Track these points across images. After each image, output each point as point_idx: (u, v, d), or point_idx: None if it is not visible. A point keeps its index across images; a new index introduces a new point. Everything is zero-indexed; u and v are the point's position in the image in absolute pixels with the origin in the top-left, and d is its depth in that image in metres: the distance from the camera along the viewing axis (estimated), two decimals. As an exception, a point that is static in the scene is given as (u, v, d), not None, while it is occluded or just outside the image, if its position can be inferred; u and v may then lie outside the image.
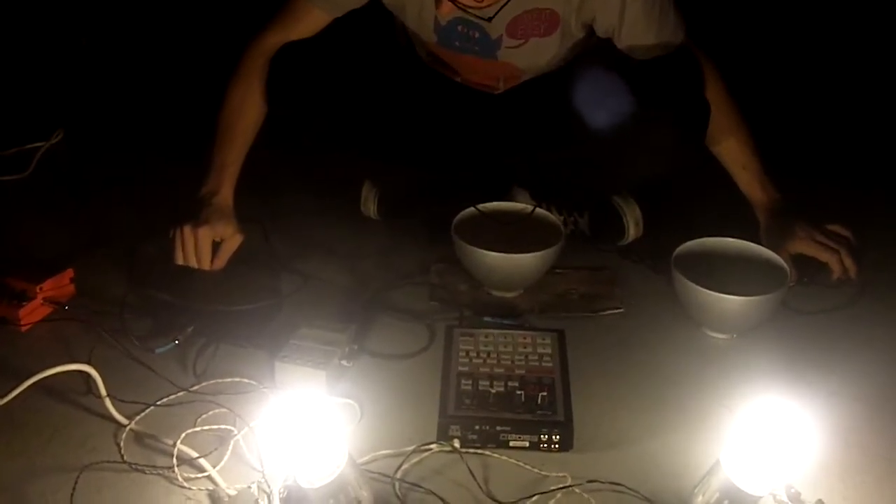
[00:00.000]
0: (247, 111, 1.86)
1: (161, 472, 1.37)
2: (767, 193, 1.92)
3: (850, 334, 1.77)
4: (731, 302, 1.67)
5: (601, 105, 1.89)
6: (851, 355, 1.70)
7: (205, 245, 1.74)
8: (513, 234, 1.87)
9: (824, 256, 1.85)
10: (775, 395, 1.25)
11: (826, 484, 1.38)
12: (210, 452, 1.40)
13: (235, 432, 1.44)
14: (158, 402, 1.52)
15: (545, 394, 1.49)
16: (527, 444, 1.44)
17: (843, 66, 2.90)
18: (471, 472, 1.38)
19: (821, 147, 2.53)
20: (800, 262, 1.86)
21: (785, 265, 1.75)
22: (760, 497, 1.25)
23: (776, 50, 2.96)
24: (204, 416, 1.49)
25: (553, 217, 1.93)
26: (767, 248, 1.85)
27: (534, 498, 1.34)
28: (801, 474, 1.31)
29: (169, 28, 3.04)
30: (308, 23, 1.86)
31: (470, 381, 1.52)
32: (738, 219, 1.94)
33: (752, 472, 1.22)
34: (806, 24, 3.07)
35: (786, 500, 1.31)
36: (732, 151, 1.92)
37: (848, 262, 1.85)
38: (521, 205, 1.97)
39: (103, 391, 1.46)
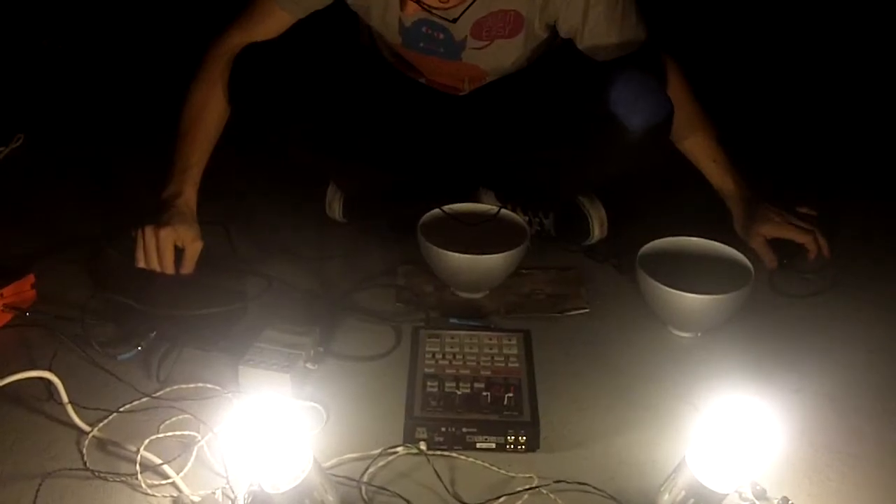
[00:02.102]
0: (209, 112, 1.84)
1: (124, 479, 1.36)
2: (738, 184, 1.95)
3: (814, 332, 1.79)
4: (696, 301, 1.67)
5: (565, 105, 1.90)
6: (816, 353, 1.72)
7: (167, 248, 1.72)
8: (478, 235, 1.87)
9: (801, 238, 1.90)
10: (740, 392, 1.25)
11: (791, 481, 1.39)
12: (174, 459, 1.39)
13: (199, 438, 1.43)
14: (121, 409, 1.50)
15: (511, 395, 1.49)
16: (493, 445, 1.44)
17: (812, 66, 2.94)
18: (437, 474, 1.38)
19: (790, 143, 2.57)
20: (775, 246, 1.91)
21: (749, 264, 1.76)
22: (726, 494, 1.26)
23: (753, 52, 3.00)
24: (167, 422, 1.47)
25: (518, 218, 1.93)
26: (743, 236, 1.92)
27: (501, 499, 1.34)
28: (767, 471, 1.33)
29: (131, 29, 3.02)
30: (271, 23, 1.85)
31: (436, 383, 1.51)
32: (702, 218, 1.95)
33: (718, 470, 1.23)
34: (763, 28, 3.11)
35: (751, 497, 1.32)
36: (702, 146, 1.94)
37: (821, 241, 1.90)
38: (486, 206, 1.97)
39: (65, 398, 1.45)
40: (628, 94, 1.80)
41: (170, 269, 1.73)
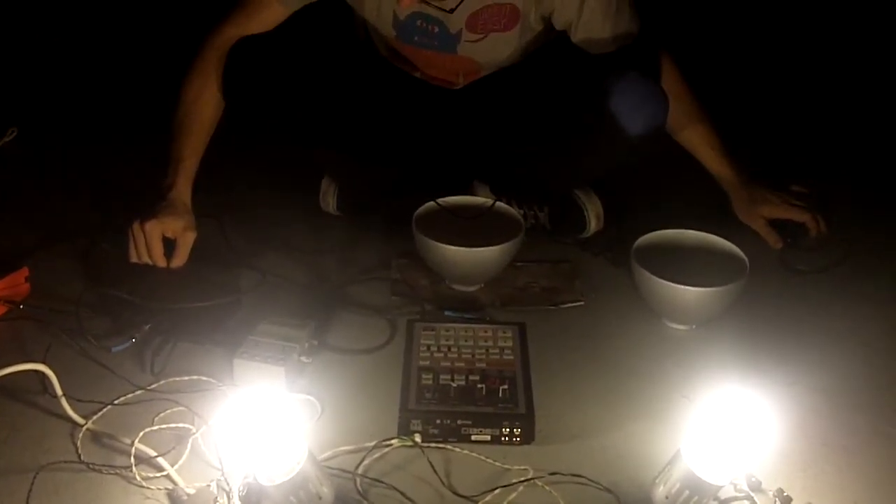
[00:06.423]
0: (203, 105, 1.84)
1: (119, 471, 1.36)
2: (736, 169, 1.99)
3: (809, 325, 1.79)
4: (690, 293, 1.67)
5: (560, 99, 1.90)
6: (810, 347, 1.72)
7: (154, 240, 1.71)
8: (473, 228, 1.86)
9: (800, 217, 1.97)
10: (735, 385, 1.25)
11: (786, 473, 1.39)
12: (168, 451, 1.39)
13: (194, 430, 1.43)
14: (116, 401, 1.50)
15: (506, 387, 1.49)
16: (488, 437, 1.44)
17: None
18: (432, 466, 1.38)
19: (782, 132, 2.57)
20: (776, 227, 1.98)
21: (744, 256, 1.76)
22: (721, 486, 1.26)
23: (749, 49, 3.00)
24: (162, 414, 1.47)
25: (513, 211, 1.93)
26: (744, 220, 1.99)
27: (496, 491, 1.34)
28: (762, 464, 1.33)
29: (125, 23, 3.01)
30: (266, 16, 1.84)
31: (431, 376, 1.51)
32: (697, 211, 1.96)
33: (713, 462, 1.23)
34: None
35: (746, 489, 1.32)
36: (700, 134, 1.97)
37: (818, 217, 1.96)
38: (481, 199, 1.97)
39: (59, 391, 1.44)
40: (624, 89, 1.80)
41: (160, 261, 1.73)
